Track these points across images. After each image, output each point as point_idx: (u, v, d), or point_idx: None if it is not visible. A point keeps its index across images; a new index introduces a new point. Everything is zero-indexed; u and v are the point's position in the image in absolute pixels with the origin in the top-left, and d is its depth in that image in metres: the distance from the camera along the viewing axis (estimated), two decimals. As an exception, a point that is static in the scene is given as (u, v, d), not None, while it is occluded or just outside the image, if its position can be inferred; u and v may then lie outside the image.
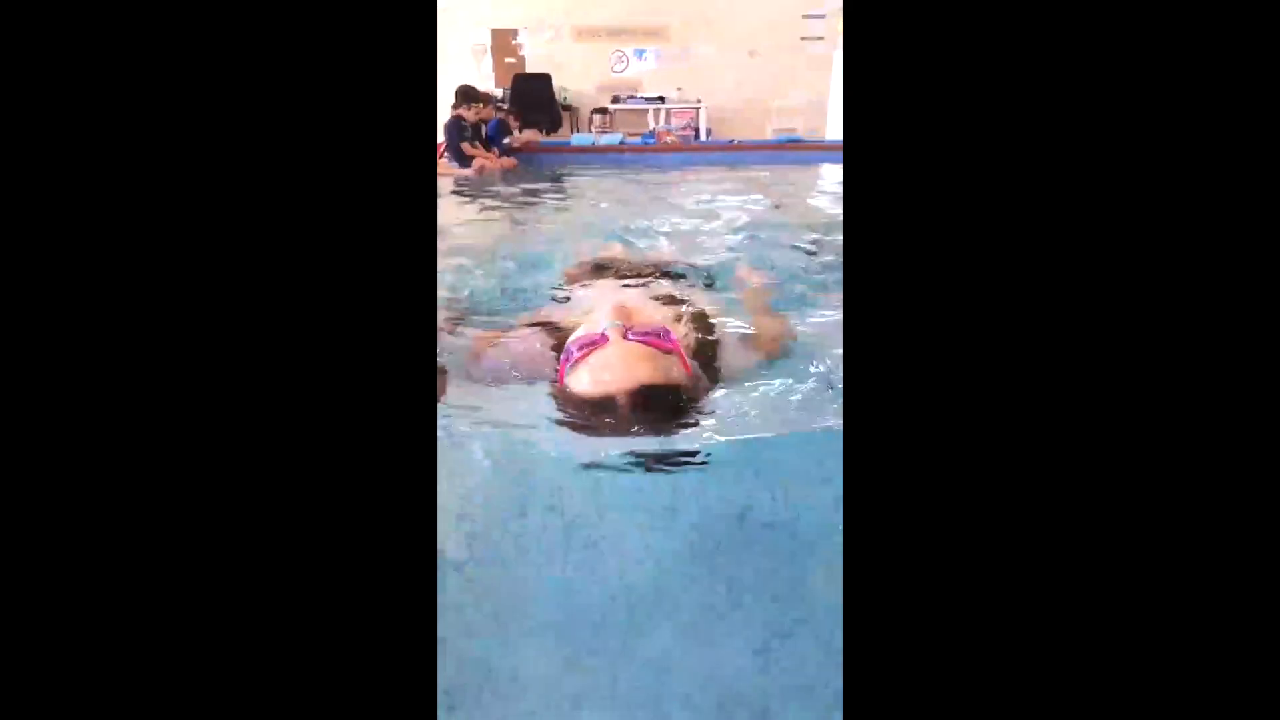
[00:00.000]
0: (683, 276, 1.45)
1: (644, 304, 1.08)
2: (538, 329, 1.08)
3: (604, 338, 0.81)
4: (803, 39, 7.20)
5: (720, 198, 3.19)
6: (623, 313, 0.85)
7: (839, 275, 1.55)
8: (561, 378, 0.85)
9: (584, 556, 0.65)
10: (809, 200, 3.51)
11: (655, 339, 0.82)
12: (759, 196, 3.15)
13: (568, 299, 1.32)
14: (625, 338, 0.81)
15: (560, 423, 0.80)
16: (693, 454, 0.76)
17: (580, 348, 0.82)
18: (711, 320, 1.08)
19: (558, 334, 1.05)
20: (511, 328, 1.16)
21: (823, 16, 7.12)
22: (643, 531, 0.68)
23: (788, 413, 0.84)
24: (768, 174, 4.39)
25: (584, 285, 1.40)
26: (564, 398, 0.83)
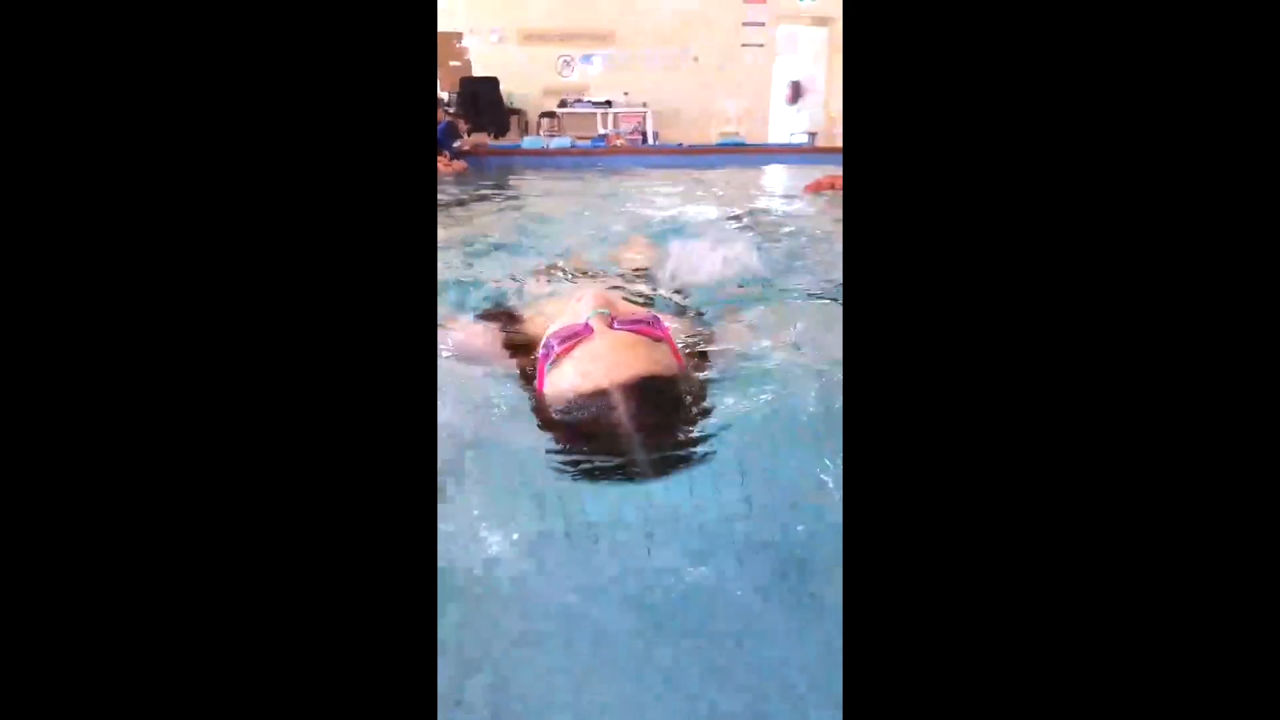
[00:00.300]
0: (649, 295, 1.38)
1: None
2: (489, 323, 1.02)
3: (588, 329, 0.74)
4: (743, 45, 7.44)
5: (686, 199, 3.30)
6: (605, 301, 0.78)
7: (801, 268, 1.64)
8: (541, 378, 0.76)
9: (584, 567, 0.64)
10: (760, 200, 3.68)
11: (645, 327, 0.75)
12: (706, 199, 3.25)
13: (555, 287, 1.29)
14: (611, 327, 0.74)
15: (557, 457, 0.73)
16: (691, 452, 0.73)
17: (562, 341, 0.74)
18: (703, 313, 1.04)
19: (513, 328, 0.99)
20: (464, 316, 1.12)
21: (762, 24, 7.38)
22: (643, 540, 0.67)
23: (786, 411, 0.84)
24: (716, 176, 4.56)
25: (552, 290, 1.32)
26: (547, 401, 0.75)
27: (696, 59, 7.34)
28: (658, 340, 0.76)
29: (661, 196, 3.44)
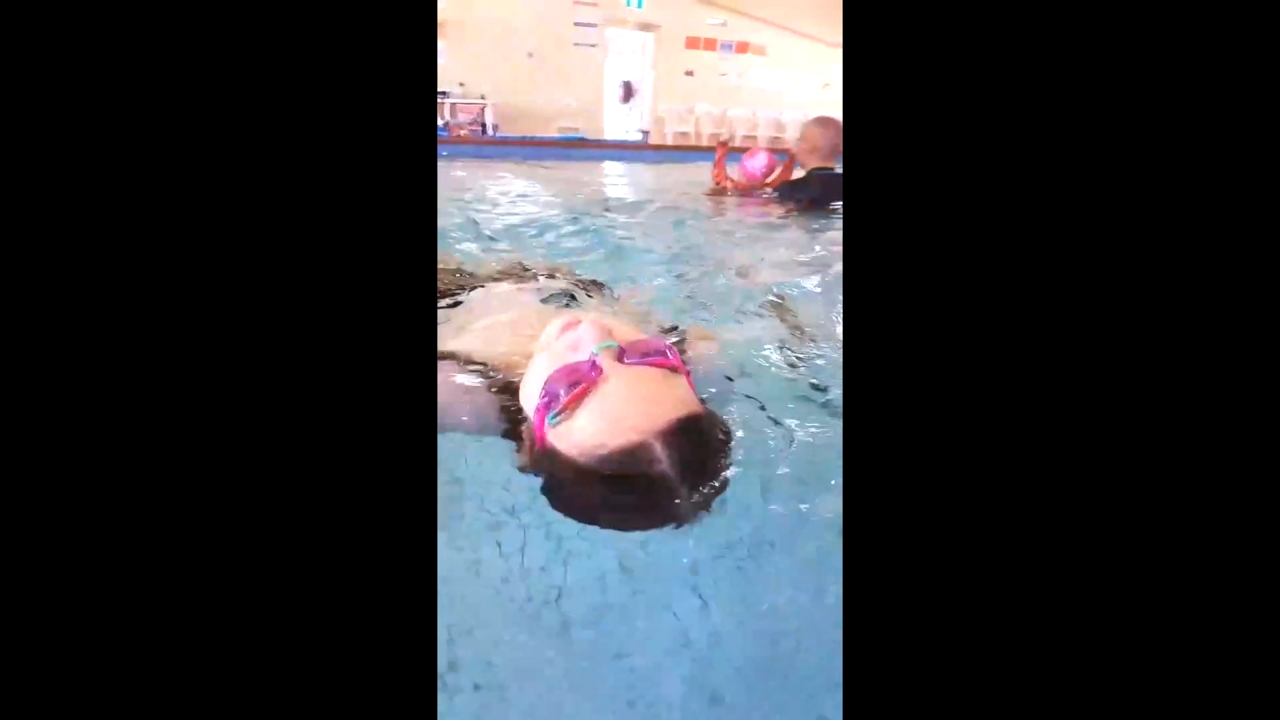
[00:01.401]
0: (534, 278, 1.25)
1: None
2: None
3: (595, 368, 0.62)
4: (575, 45, 7.66)
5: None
6: (607, 331, 0.66)
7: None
8: (541, 434, 0.63)
9: (588, 598, 0.63)
10: (607, 192, 3.89)
11: (661, 358, 0.65)
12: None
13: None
14: (622, 362, 0.63)
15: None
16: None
17: (569, 387, 0.61)
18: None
19: (464, 366, 0.81)
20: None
21: (594, 26, 7.65)
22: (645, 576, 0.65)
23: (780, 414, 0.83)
24: (550, 168, 4.73)
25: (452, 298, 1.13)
26: (553, 461, 0.62)
27: (531, 55, 7.45)
28: (675, 371, 0.65)
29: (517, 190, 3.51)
